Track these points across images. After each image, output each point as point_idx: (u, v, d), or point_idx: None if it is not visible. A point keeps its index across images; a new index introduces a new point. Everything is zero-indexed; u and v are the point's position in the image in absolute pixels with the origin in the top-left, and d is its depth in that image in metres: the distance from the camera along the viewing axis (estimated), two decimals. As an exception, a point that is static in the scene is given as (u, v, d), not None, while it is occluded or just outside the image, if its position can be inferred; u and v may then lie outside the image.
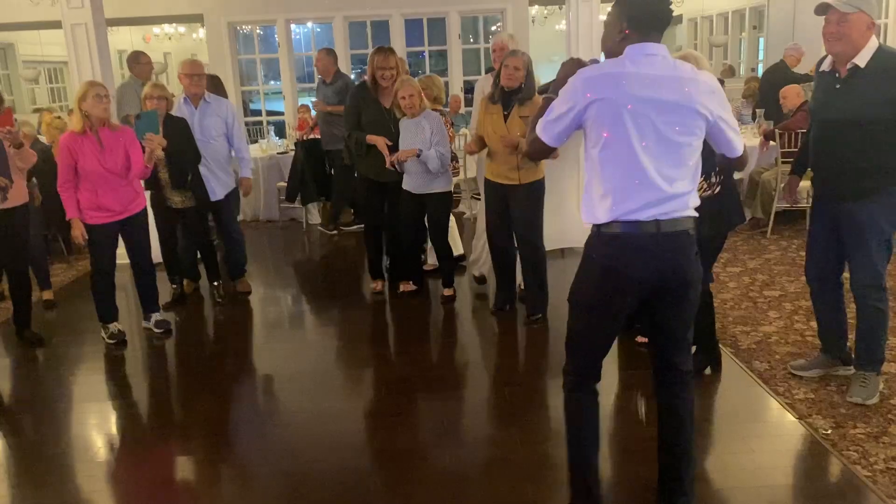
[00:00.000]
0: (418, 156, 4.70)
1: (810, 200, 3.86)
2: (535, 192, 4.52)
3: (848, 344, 3.70)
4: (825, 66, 3.37)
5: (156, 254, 4.97)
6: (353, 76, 10.44)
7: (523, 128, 4.30)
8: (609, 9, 2.40)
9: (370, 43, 10.37)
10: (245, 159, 5.43)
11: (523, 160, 4.35)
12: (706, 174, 3.34)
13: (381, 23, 10.10)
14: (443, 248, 5.13)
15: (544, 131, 2.39)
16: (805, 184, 4.50)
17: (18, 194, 4.47)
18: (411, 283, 5.31)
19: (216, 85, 6.91)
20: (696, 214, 2.39)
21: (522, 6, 10.18)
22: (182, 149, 4.82)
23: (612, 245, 2.31)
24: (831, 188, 3.41)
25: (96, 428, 3.71)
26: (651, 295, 2.39)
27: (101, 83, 4.42)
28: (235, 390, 4.07)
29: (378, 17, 10.08)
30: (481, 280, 5.42)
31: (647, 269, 2.32)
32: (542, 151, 2.47)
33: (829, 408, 3.42)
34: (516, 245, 4.74)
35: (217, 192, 5.23)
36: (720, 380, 3.76)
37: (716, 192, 3.39)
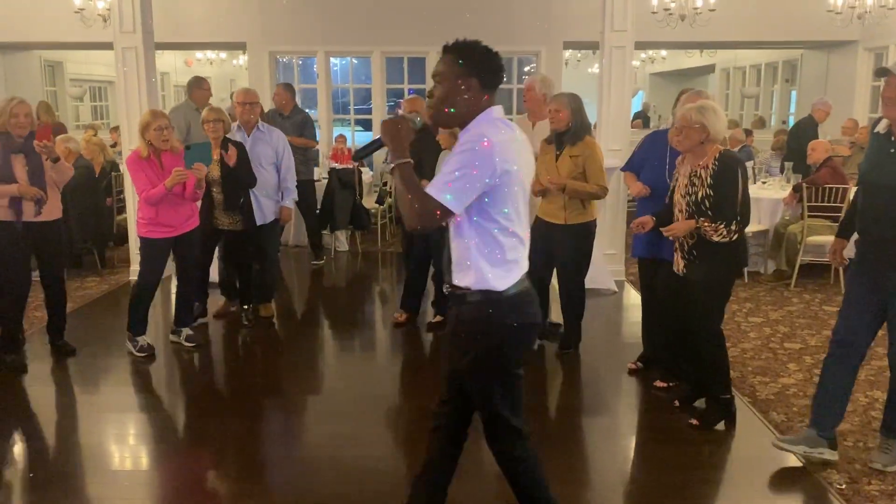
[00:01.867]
0: None
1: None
2: (580, 233, 4.56)
3: (838, 426, 3.52)
4: (880, 128, 3.26)
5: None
6: (386, 109, 10.67)
7: (571, 167, 4.41)
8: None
9: (406, 78, 10.61)
10: (289, 189, 5.52)
11: (570, 200, 4.46)
12: (727, 221, 3.45)
13: (417, 59, 10.33)
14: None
15: (455, 199, 2.17)
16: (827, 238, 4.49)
17: (54, 209, 4.60)
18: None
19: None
20: None
21: (557, 49, 10.38)
22: (238, 172, 4.99)
23: (522, 303, 2.36)
24: (879, 255, 3.24)
25: (119, 439, 3.82)
26: None
27: (163, 114, 4.64)
28: (257, 411, 4.15)
29: (415, 54, 10.32)
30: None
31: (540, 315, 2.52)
32: (443, 219, 2.22)
33: (844, 463, 3.42)
34: (558, 283, 4.78)
35: (261, 217, 5.34)
36: (736, 429, 3.77)
37: (733, 238, 3.49)
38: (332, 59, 10.74)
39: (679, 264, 3.73)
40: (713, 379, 3.75)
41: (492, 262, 2.29)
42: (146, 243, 4.69)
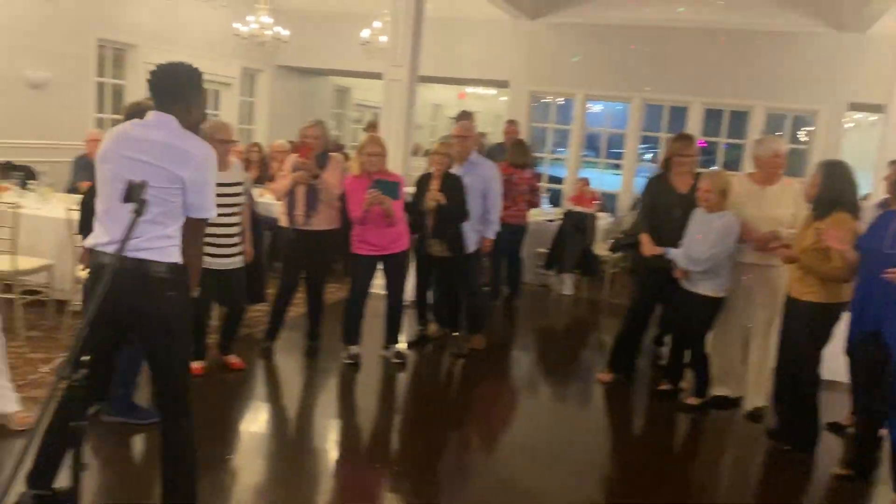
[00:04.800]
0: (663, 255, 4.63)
1: None
2: (806, 313, 3.98)
3: None
4: None
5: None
6: (639, 156, 10.39)
7: (812, 240, 3.88)
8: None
9: (664, 126, 10.28)
10: (491, 221, 5.61)
11: (806, 272, 3.97)
12: None
13: (678, 109, 9.96)
14: (697, 353, 4.72)
15: None
16: None
17: (323, 221, 4.94)
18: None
19: (522, 149, 7.11)
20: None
21: (839, 109, 9.37)
22: (451, 203, 5.17)
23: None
24: None
25: (323, 439, 4.08)
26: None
27: (379, 141, 4.98)
28: (450, 440, 4.19)
29: (677, 104, 9.96)
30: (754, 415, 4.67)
31: None
32: None
33: None
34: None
35: (468, 246, 5.44)
36: None
37: None
38: (589, 103, 10.73)
39: None
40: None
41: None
42: (353, 258, 5.08)
